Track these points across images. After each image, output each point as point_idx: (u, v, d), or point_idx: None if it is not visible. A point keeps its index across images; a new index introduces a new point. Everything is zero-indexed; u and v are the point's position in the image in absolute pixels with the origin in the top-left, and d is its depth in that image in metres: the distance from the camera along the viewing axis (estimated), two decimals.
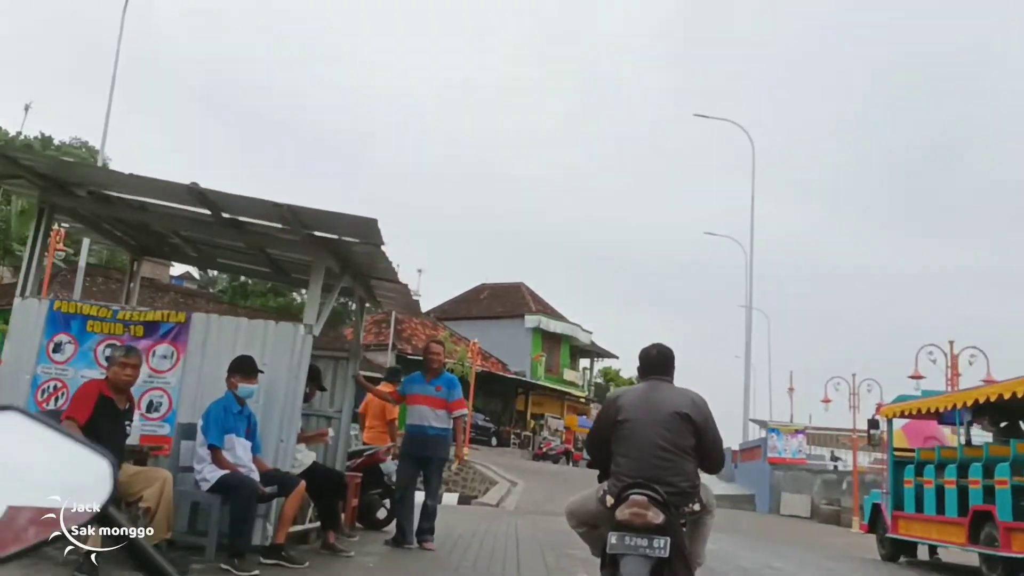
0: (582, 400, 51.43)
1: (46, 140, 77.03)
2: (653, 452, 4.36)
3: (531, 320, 47.94)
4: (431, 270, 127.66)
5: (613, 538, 4.10)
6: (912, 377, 19.19)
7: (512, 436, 42.33)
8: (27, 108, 51.17)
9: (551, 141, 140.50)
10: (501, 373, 44.24)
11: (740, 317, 36.32)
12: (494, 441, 40.22)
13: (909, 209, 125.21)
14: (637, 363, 4.87)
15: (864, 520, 13.17)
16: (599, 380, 59.03)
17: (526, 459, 38.91)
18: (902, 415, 12.38)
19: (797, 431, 25.65)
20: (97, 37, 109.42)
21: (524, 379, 45.63)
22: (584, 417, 49.55)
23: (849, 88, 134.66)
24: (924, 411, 12.02)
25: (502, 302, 50.83)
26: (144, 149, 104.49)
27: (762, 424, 32.86)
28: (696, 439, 4.47)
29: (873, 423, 12.93)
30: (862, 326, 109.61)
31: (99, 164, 69.50)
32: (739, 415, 36.43)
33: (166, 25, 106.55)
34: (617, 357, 58.43)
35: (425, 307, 56.00)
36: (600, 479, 4.75)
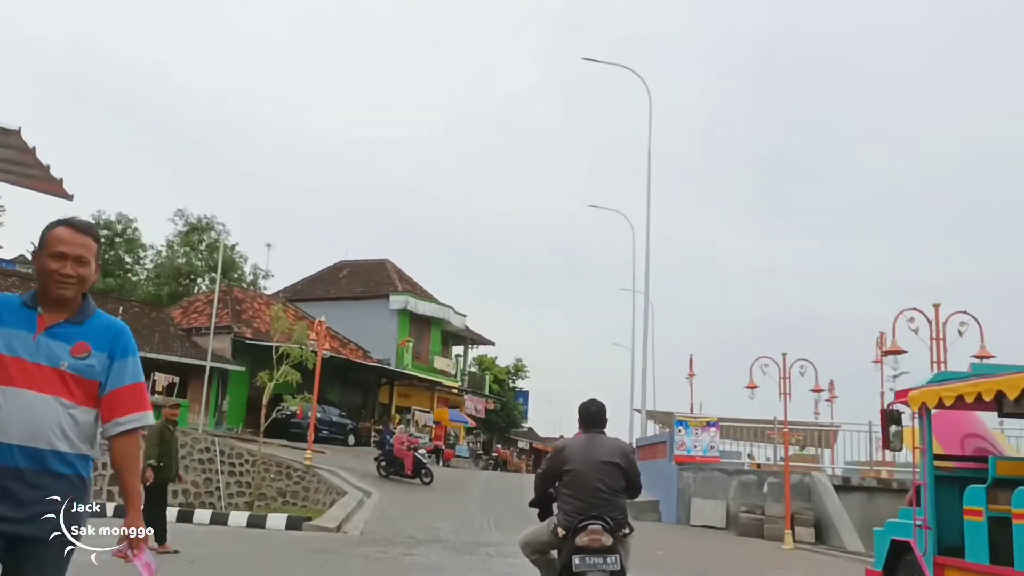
0: (455, 391, 46.37)
1: None
2: (595, 494, 5.75)
3: (397, 301, 42.61)
4: (284, 246, 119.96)
5: (576, 559, 5.53)
6: (888, 353, 15.39)
7: (373, 433, 36.83)
8: None
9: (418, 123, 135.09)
10: (361, 361, 38.66)
11: (620, 302, 32.04)
12: (351, 440, 34.68)
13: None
14: (577, 415, 6.16)
15: (877, 566, 8.62)
16: (474, 368, 54.12)
17: None
18: (943, 404, 7.90)
19: (709, 423, 21.42)
20: None
21: (388, 367, 40.23)
22: (456, 410, 44.56)
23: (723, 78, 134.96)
24: (980, 397, 7.59)
25: (363, 281, 45.27)
26: None
27: (661, 417, 28.81)
28: (625, 480, 5.89)
29: (892, 416, 8.44)
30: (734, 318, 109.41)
31: None
32: (624, 406, 32.40)
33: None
34: (493, 343, 53.79)
35: (276, 286, 49.77)
36: (541, 516, 6.48)
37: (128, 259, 52.41)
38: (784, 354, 18.22)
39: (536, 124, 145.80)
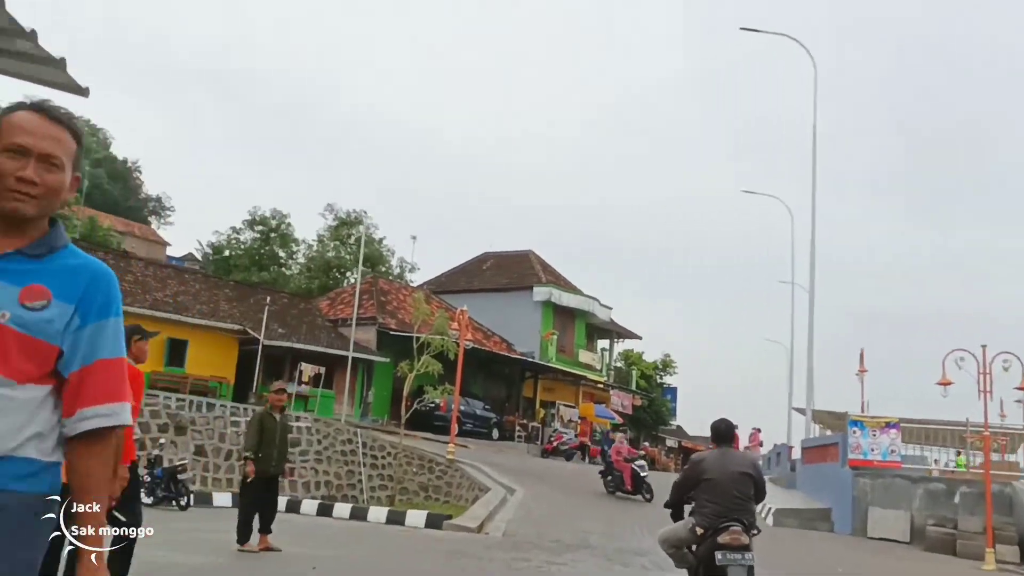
0: (600, 386, 44.90)
1: None
2: (731, 500, 6.56)
3: (541, 292, 41.52)
4: (428, 238, 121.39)
5: (719, 555, 6.28)
6: (940, 384, 15.60)
7: (517, 428, 35.91)
8: None
9: (560, 104, 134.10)
10: (505, 353, 37.83)
11: (773, 294, 29.74)
12: (495, 434, 33.84)
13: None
14: (710, 432, 7.18)
15: None
16: (619, 364, 52.44)
17: (534, 455, 32.53)
18: None
19: (888, 424, 19.09)
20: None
21: (532, 360, 39.20)
22: (602, 406, 43.07)
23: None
24: None
25: (507, 273, 44.43)
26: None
27: (824, 418, 26.46)
28: (754, 488, 6.78)
29: None
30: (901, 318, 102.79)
31: (102, 144, 63.98)
32: (778, 405, 30.10)
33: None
34: (640, 338, 51.91)
35: (420, 279, 49.79)
36: (674, 516, 7.14)
37: (282, 253, 53.80)
38: (984, 347, 15.82)
39: (679, 111, 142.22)
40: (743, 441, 34.93)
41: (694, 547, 6.73)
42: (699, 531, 6.54)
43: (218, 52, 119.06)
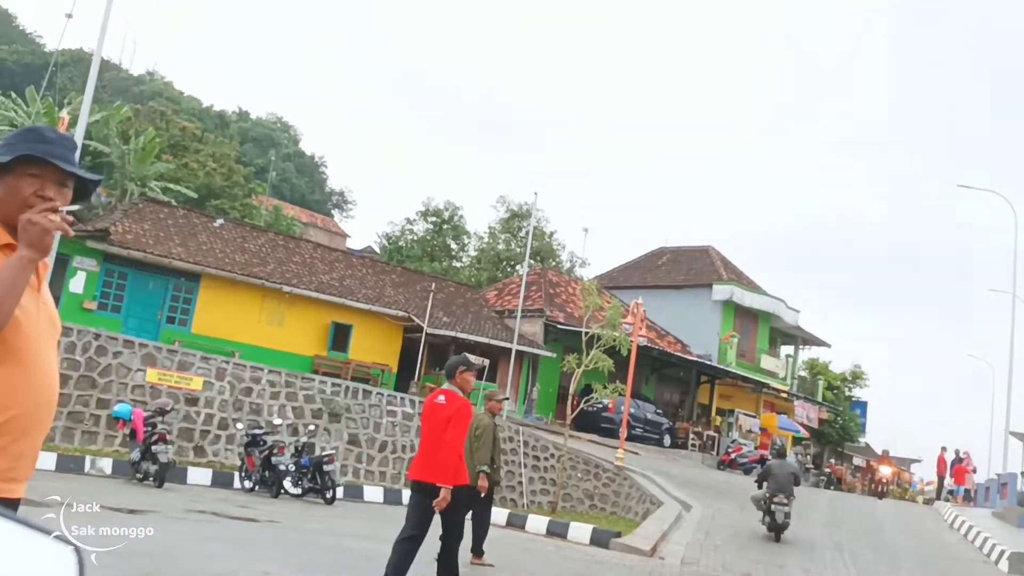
0: (783, 395, 41.28)
1: (243, 114, 76.44)
2: (782, 485, 14.78)
3: (721, 291, 38.48)
4: (601, 232, 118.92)
5: (774, 505, 14.69)
6: None
7: (691, 435, 33.17)
8: None
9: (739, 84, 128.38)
10: (680, 354, 35.18)
11: (985, 305, 25.61)
12: (667, 441, 31.28)
13: None
14: (775, 452, 17.55)
15: None
16: (804, 373, 48.38)
17: (708, 467, 29.79)
18: None
19: None
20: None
21: (709, 363, 36.30)
22: (785, 417, 39.50)
23: None
24: None
25: (684, 269, 41.61)
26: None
27: None
28: (795, 480, 15.25)
29: None
30: None
31: (292, 140, 67.13)
32: (981, 427, 25.92)
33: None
34: (829, 345, 47.65)
35: (591, 273, 47.78)
36: (759, 487, 15.46)
37: (454, 245, 53.36)
38: None
39: (874, 94, 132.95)
40: (949, 463, 30.83)
41: (764, 502, 15.08)
42: (767, 495, 14.91)
43: (399, 49, 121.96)
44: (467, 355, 7.39)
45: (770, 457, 34.28)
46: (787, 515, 14.55)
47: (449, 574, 6.75)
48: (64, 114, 22.37)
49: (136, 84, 67.71)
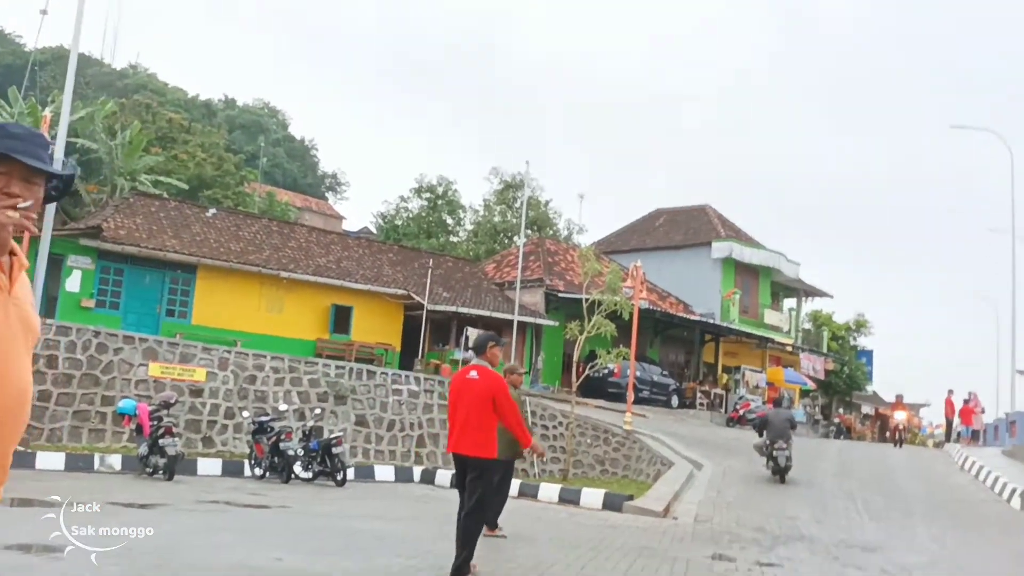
0: (788, 348, 41.30)
1: (229, 102, 75.81)
2: (780, 432, 16.36)
3: (720, 248, 38.35)
4: (596, 197, 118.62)
5: (775, 450, 16.30)
6: None
7: (699, 395, 33.22)
8: None
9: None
10: (683, 315, 35.14)
11: (986, 246, 25.60)
12: (674, 402, 31.33)
13: None
14: (773, 401, 21.88)
15: None
16: (807, 326, 48.35)
17: (717, 424, 29.87)
18: None
19: None
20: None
21: (712, 322, 36.28)
22: (791, 369, 39.52)
23: None
24: None
25: (682, 229, 41.46)
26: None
27: None
28: (791, 426, 16.82)
29: None
30: None
31: (280, 124, 66.39)
32: (988, 367, 25.97)
33: None
34: (831, 296, 47.58)
35: (588, 240, 47.61)
36: (758, 434, 17.34)
37: (449, 220, 53.14)
38: None
39: (870, 43, 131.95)
40: (957, 405, 30.79)
41: (765, 448, 16.69)
42: (768, 442, 16.56)
43: (379, 25, 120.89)
44: (495, 332, 8.65)
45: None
46: (788, 458, 16.36)
47: (468, 540, 6.83)
48: (47, 112, 22.12)
49: (119, 78, 67.08)
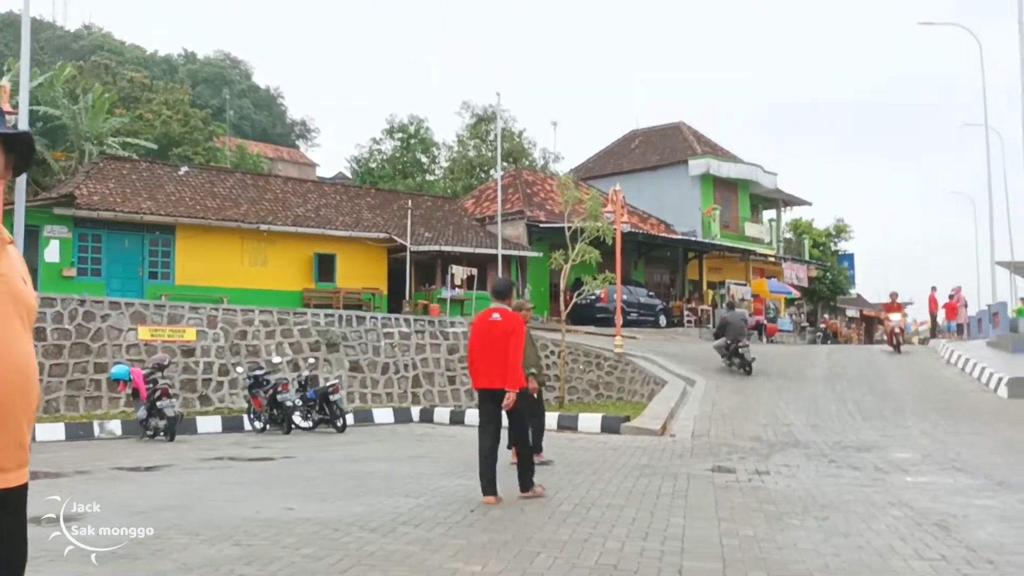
0: (771, 259, 41.64)
1: (189, 56, 74.06)
2: (739, 333, 19.00)
3: (697, 165, 38.32)
4: (569, 124, 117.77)
5: (738, 348, 18.77)
6: None
7: (686, 313, 33.56)
8: None
9: None
10: (665, 235, 35.29)
11: (959, 141, 25.43)
12: (663, 321, 31.64)
13: None
14: (727, 307, 21.83)
15: None
16: (788, 235, 48.68)
17: (706, 340, 30.12)
18: None
19: None
20: None
21: (695, 240, 36.48)
22: (775, 280, 39.95)
23: None
24: None
25: (658, 149, 41.32)
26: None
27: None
28: (747, 327, 20.45)
29: None
30: None
31: (244, 75, 64.86)
32: (970, 258, 26.19)
33: None
34: (810, 204, 47.83)
35: (564, 167, 47.44)
36: (716, 338, 19.79)
37: (424, 159, 52.70)
38: None
39: None
40: (942, 300, 31.19)
41: (727, 348, 18.93)
42: (727, 344, 18.90)
43: None
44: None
45: (764, 322, 34.91)
46: (750, 353, 19.00)
47: (528, 468, 7.66)
48: (5, 82, 21.57)
49: (74, 40, 65.40)
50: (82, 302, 18.33)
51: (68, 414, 17.02)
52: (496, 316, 7.61)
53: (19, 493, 2.13)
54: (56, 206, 22.52)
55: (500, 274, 25.96)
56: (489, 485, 7.39)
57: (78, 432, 15.32)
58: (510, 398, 7.38)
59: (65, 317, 17.85)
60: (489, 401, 7.60)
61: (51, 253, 22.40)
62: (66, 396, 17.43)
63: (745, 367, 18.73)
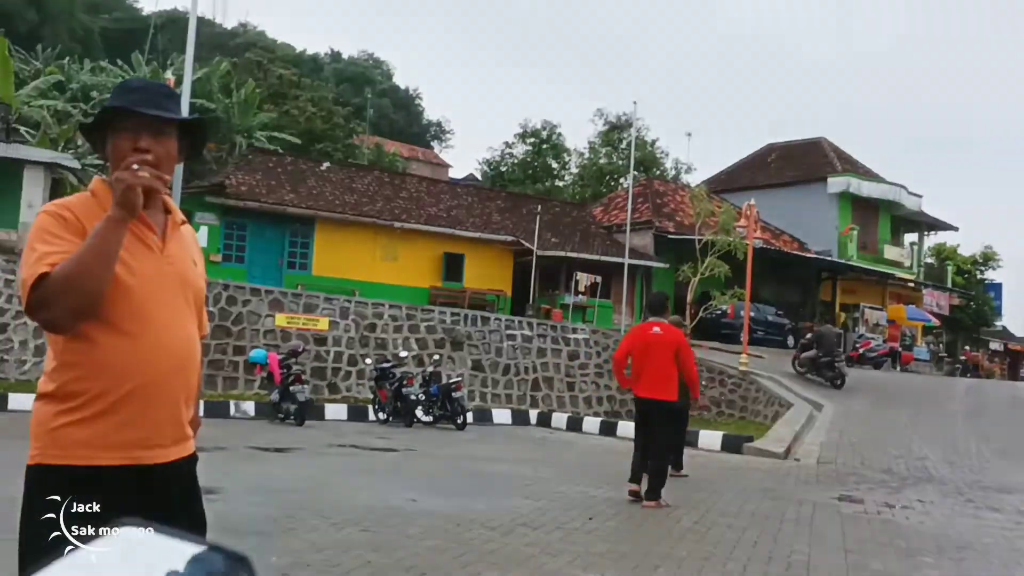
0: (910, 285, 39.77)
1: (335, 55, 77.14)
2: (834, 345, 19.29)
3: (836, 183, 37.00)
4: (704, 135, 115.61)
5: (836, 359, 19.04)
6: None
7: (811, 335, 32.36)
8: None
9: None
10: (798, 253, 34.23)
11: None
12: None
13: None
14: (820, 334, 20.13)
15: None
16: (930, 260, 46.39)
17: None
18: None
19: None
20: None
21: (829, 259, 35.23)
22: (913, 306, 38.11)
23: None
24: None
25: (796, 164, 40.09)
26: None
27: None
28: (840, 342, 19.45)
29: None
30: None
31: (385, 75, 66.90)
32: None
33: None
34: (956, 229, 45.38)
35: (697, 179, 46.66)
36: (803, 350, 19.97)
37: (555, 165, 52.96)
38: None
39: None
40: None
41: (818, 360, 19.17)
42: (821, 355, 19.01)
43: None
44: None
45: (900, 349, 33.42)
46: (845, 367, 19.53)
47: (659, 479, 7.89)
48: (169, 75, 23.05)
49: (231, 37, 68.90)
50: (226, 287, 19.32)
51: (207, 392, 17.94)
52: (657, 330, 8.10)
53: (181, 465, 2.17)
54: (208, 194, 23.81)
55: (625, 283, 25.82)
56: (635, 475, 7.96)
57: (215, 410, 16.16)
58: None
59: (210, 300, 18.83)
60: (649, 410, 8.08)
61: (200, 238, 23.63)
62: (206, 375, 18.38)
63: (839, 379, 19.09)
